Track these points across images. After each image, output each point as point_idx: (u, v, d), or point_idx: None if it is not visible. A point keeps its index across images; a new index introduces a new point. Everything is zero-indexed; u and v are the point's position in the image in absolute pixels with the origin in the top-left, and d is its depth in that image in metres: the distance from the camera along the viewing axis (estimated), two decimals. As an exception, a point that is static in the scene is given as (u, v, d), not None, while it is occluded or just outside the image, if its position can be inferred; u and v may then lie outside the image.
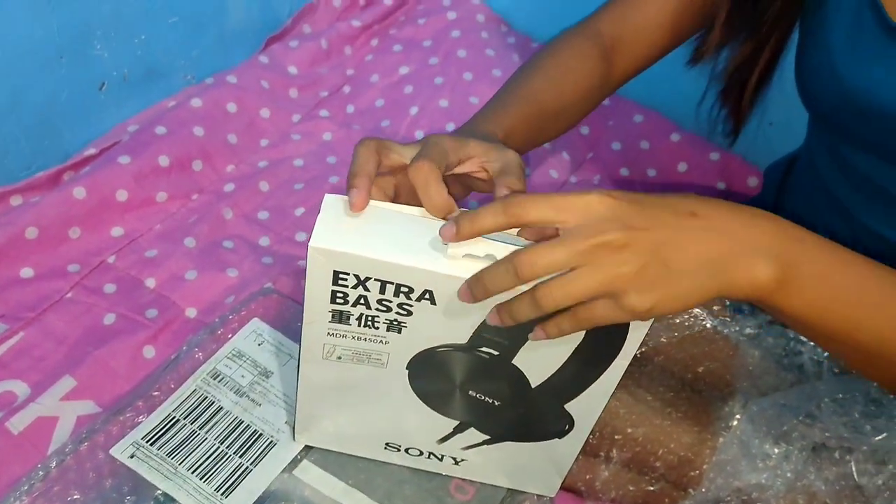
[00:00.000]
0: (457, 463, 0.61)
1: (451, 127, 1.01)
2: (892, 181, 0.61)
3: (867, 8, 0.59)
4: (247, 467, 0.59)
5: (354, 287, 0.48)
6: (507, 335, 0.51)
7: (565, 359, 0.53)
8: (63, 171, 0.88)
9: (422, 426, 0.58)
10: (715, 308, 0.75)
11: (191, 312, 0.79)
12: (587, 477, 0.69)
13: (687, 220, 0.46)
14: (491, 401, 0.56)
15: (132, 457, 0.59)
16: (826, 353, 0.70)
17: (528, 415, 0.57)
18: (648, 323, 0.50)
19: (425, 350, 0.52)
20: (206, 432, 0.61)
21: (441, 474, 0.62)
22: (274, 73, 1.04)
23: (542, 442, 0.59)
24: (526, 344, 0.52)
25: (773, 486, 0.65)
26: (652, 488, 0.69)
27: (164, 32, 0.96)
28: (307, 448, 0.61)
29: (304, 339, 0.52)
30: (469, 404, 0.56)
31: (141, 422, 0.61)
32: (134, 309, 0.79)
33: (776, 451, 0.65)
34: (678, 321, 0.72)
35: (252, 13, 1.06)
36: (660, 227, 0.45)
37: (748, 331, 0.73)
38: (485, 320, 0.49)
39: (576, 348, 0.52)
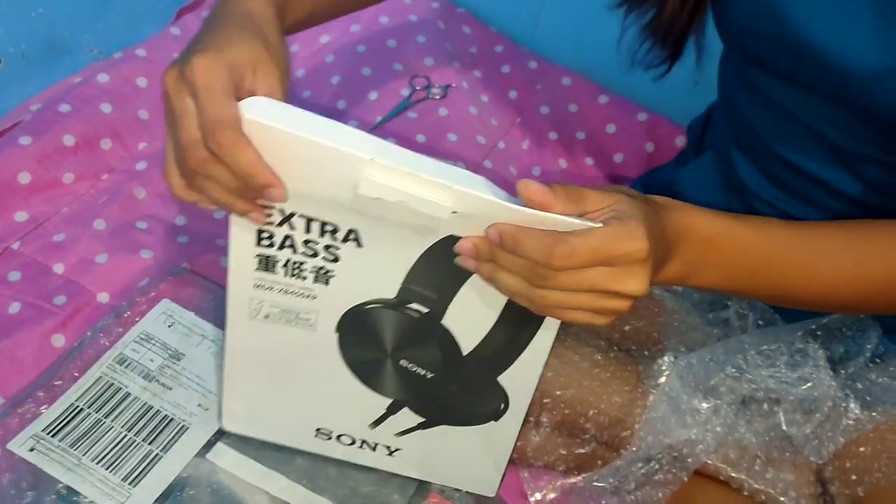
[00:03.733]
0: (391, 453, 0.59)
1: (373, 96, 0.98)
2: (809, 111, 0.60)
3: None
4: (156, 454, 0.57)
5: (280, 224, 0.46)
6: (435, 288, 0.50)
7: (494, 320, 0.51)
8: (-41, 155, 0.83)
9: (353, 405, 0.56)
10: (641, 266, 0.74)
11: (103, 297, 0.76)
12: (518, 444, 0.67)
13: None
14: (423, 372, 0.54)
15: (32, 450, 0.55)
16: (751, 306, 0.70)
17: (462, 391, 0.55)
18: None
19: (354, 308, 0.50)
20: (112, 420, 0.58)
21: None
22: (187, 43, 0.99)
23: (478, 426, 0.57)
24: (454, 300, 0.50)
25: (703, 440, 0.65)
26: (584, 450, 0.68)
27: (64, 5, 0.91)
28: (221, 430, 0.58)
29: (230, 296, 0.50)
30: (401, 378, 0.54)
31: (42, 413, 0.58)
32: (41, 296, 0.75)
33: (705, 405, 0.65)
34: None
35: (161, -17, 1.01)
36: None
37: (674, 287, 0.73)
38: (412, 270, 0.48)
39: (504, 307, 0.50)
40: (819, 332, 0.65)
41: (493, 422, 0.57)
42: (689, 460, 0.65)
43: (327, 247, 0.47)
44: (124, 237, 0.81)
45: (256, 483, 0.55)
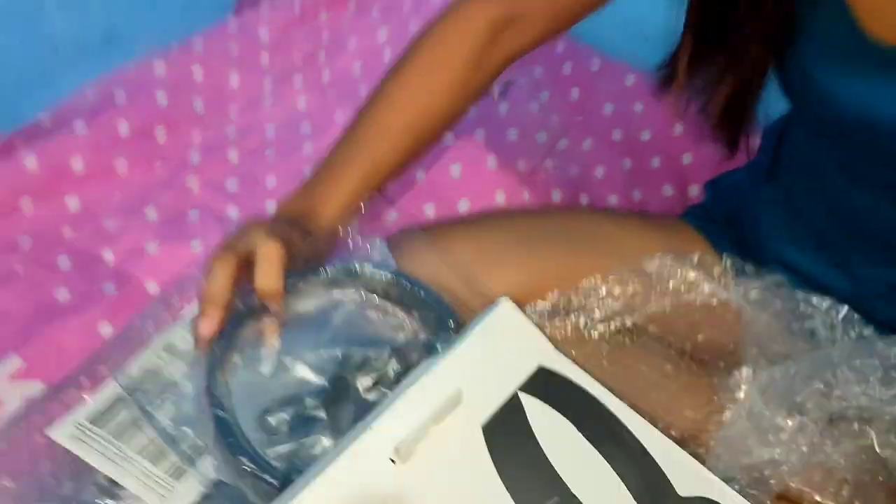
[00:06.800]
0: None
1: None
2: (870, 173, 0.58)
3: (840, 19, 0.53)
4: (202, 447, 0.53)
5: None
6: None
7: None
8: (13, 140, 0.82)
9: None
10: (714, 270, 0.69)
11: (151, 287, 0.74)
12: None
13: None
14: None
15: (73, 438, 0.52)
16: (841, 316, 0.65)
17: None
18: None
19: None
20: (157, 410, 0.55)
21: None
22: (244, 38, 0.98)
23: None
24: None
25: (787, 461, 0.59)
26: (653, 468, 0.63)
27: (123, -5, 0.90)
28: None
29: None
30: None
31: (85, 400, 0.55)
32: (90, 284, 0.73)
33: (789, 423, 0.60)
34: (672, 286, 0.67)
35: (220, -25, 1.00)
36: None
37: (753, 295, 0.67)
38: None
39: None
40: (918, 346, 0.60)
41: None
42: (772, 482, 0.60)
43: None
44: (175, 227, 0.79)
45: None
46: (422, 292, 0.54)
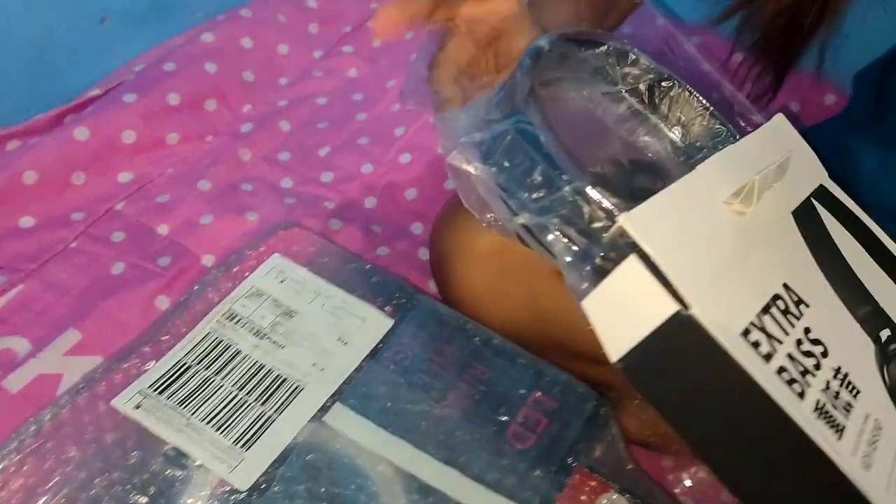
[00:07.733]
0: None
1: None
2: None
3: None
4: (270, 416, 0.51)
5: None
6: None
7: None
8: (65, 114, 0.80)
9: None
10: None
11: (208, 259, 0.71)
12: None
13: None
14: None
15: (138, 407, 0.50)
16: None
17: None
18: None
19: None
20: (223, 379, 0.52)
21: (498, 419, 0.52)
22: (292, 6, 0.95)
23: None
24: None
25: None
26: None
27: (170, -36, 0.88)
28: (339, 392, 0.52)
29: None
30: None
31: (148, 369, 0.53)
32: (145, 257, 0.71)
33: None
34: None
35: (266, -56, 0.97)
36: None
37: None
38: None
39: None
40: None
41: None
42: None
43: (799, 342, 0.35)
44: (229, 199, 0.77)
45: (379, 451, 0.49)
46: (698, 99, 0.49)
